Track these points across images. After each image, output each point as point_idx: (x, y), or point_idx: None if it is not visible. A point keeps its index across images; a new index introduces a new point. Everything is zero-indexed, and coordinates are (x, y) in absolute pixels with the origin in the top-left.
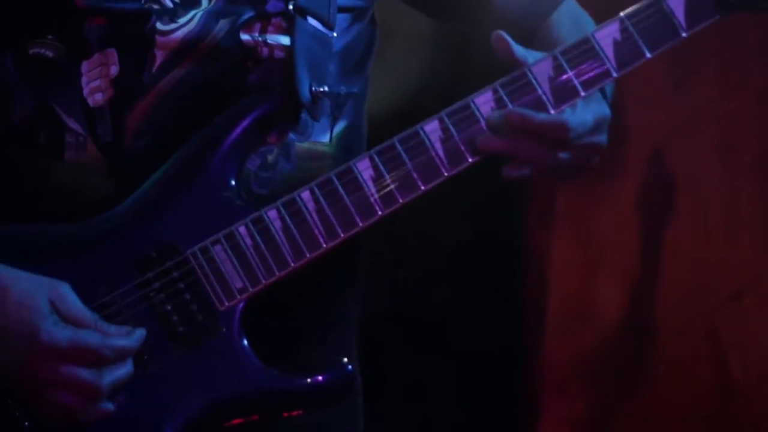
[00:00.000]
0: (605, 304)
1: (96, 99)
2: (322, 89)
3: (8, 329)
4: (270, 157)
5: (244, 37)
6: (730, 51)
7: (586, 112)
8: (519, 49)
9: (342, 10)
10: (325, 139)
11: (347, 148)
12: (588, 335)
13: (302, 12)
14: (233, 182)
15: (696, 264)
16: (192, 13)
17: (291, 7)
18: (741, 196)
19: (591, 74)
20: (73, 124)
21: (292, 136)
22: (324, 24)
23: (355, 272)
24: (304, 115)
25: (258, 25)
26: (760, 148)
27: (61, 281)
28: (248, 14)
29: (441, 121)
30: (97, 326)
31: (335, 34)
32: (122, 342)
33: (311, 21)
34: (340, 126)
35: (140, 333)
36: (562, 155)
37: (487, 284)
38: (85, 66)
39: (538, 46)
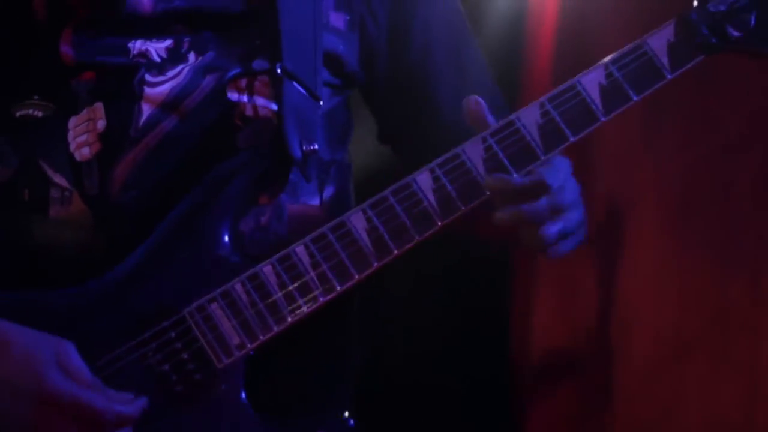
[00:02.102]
0: (588, 359)
1: (83, 153)
2: (312, 147)
3: (15, 378)
4: (263, 219)
5: (231, 93)
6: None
7: (554, 168)
8: (492, 119)
9: (324, 84)
10: (316, 202)
11: (337, 214)
12: (571, 391)
13: (289, 75)
14: (227, 240)
15: (674, 318)
16: (180, 67)
17: (279, 69)
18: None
19: (579, 119)
20: (59, 179)
21: (283, 197)
22: (310, 93)
23: (349, 325)
24: (293, 176)
25: (244, 82)
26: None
27: (66, 340)
28: (234, 71)
29: (432, 171)
30: (101, 389)
31: (321, 103)
32: (125, 409)
33: (297, 86)
34: (329, 191)
35: (142, 402)
36: (553, 227)
37: (472, 343)
38: (72, 121)
39: None
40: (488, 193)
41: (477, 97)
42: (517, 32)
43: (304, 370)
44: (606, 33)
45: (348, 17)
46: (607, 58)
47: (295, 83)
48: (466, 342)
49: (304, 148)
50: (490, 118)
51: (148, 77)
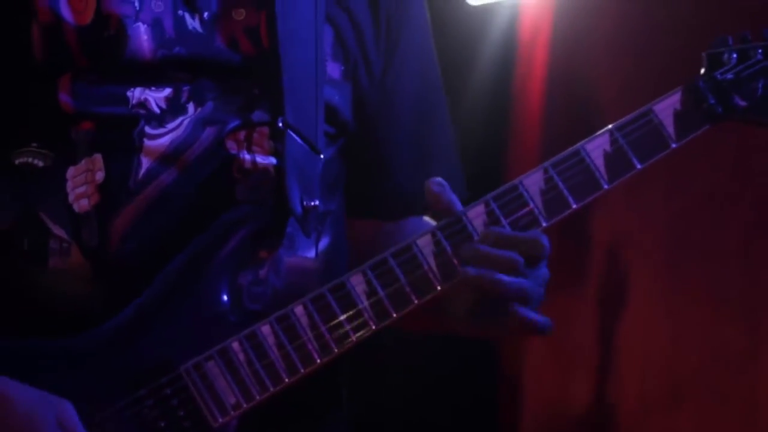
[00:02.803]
0: (579, 407)
1: (81, 205)
2: (313, 203)
3: None
4: (261, 273)
5: (230, 146)
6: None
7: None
8: (455, 198)
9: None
10: (311, 254)
11: (332, 264)
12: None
13: (291, 128)
14: (225, 298)
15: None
16: (179, 119)
17: (280, 123)
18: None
19: (583, 186)
20: (57, 230)
21: (281, 250)
22: (311, 147)
23: (341, 377)
24: (290, 229)
25: (243, 134)
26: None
27: (65, 399)
28: (234, 123)
29: (433, 235)
30: None
31: (322, 157)
32: None
33: (298, 139)
34: (324, 242)
35: None
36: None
37: (462, 380)
38: (70, 171)
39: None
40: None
41: (438, 179)
42: (506, 80)
43: (297, 423)
44: (598, 76)
45: (343, 67)
46: (612, 125)
47: (295, 136)
48: (455, 379)
49: (304, 203)
50: (453, 197)
51: (147, 129)
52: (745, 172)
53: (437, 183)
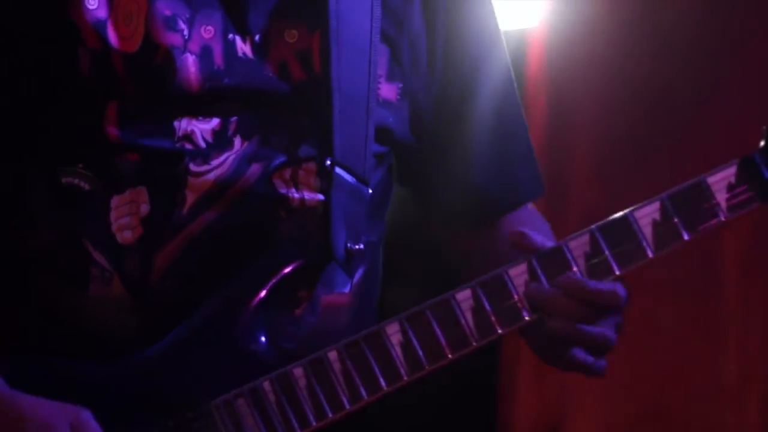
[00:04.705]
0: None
1: (125, 236)
2: (357, 247)
3: None
4: (297, 312)
5: (276, 184)
6: None
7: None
8: (539, 239)
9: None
10: (346, 289)
11: (365, 294)
12: None
13: (339, 165)
14: (263, 338)
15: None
16: (225, 155)
17: (328, 162)
18: None
19: (628, 254)
20: (99, 257)
21: (318, 288)
22: (359, 180)
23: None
24: (329, 268)
25: (289, 172)
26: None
27: (82, 408)
28: (280, 159)
29: (473, 290)
30: None
31: (371, 191)
32: None
33: (346, 176)
34: (359, 274)
35: None
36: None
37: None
38: (115, 201)
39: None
40: (529, 318)
41: (523, 230)
42: None
43: None
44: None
45: (401, 84)
46: (664, 194)
47: (343, 172)
48: (454, 405)
49: (348, 246)
50: (538, 239)
51: (192, 167)
52: None
53: (519, 234)
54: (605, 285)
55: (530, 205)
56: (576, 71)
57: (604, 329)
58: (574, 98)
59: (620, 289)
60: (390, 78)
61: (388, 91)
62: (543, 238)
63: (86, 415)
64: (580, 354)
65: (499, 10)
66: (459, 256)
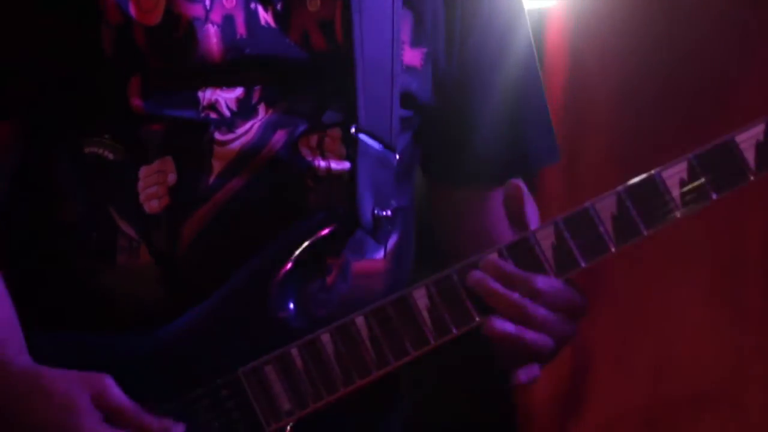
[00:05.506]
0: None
1: (152, 205)
2: (384, 213)
3: None
4: (329, 279)
5: (302, 152)
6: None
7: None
8: (531, 207)
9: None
10: (379, 256)
11: (399, 260)
12: None
13: (364, 132)
14: (292, 306)
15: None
16: (250, 123)
17: (353, 129)
18: None
19: (654, 212)
20: (126, 228)
21: (349, 255)
22: (386, 146)
23: (398, 397)
24: (358, 235)
25: (315, 139)
26: None
27: (104, 374)
28: (304, 126)
29: (499, 252)
30: (139, 418)
31: (398, 156)
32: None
33: (372, 142)
34: (392, 241)
35: (179, 428)
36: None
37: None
38: (143, 171)
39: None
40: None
41: (517, 181)
42: None
43: (351, 422)
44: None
45: (425, 49)
46: (690, 154)
47: (369, 139)
48: (471, 412)
49: (376, 213)
50: (529, 208)
51: (217, 136)
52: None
53: (515, 186)
54: (552, 282)
55: (525, 188)
56: (595, 50)
57: (541, 335)
58: (593, 77)
59: (565, 291)
60: (414, 44)
61: (411, 57)
62: (532, 210)
63: (108, 382)
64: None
65: None
66: (450, 217)
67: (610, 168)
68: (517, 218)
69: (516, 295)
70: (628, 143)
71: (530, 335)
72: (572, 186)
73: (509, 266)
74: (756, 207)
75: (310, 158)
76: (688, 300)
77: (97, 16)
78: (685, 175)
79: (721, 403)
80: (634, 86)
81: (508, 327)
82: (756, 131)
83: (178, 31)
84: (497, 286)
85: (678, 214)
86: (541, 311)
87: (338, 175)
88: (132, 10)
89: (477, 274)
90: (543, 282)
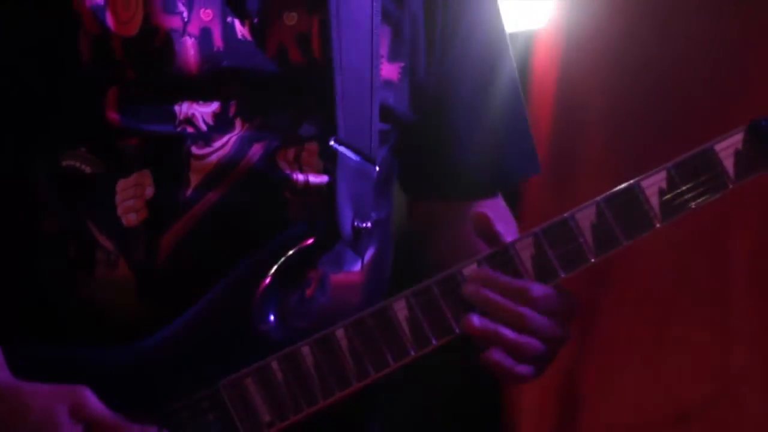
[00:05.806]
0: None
1: (130, 219)
2: (364, 225)
3: None
4: (308, 291)
5: (280, 165)
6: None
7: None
8: (500, 226)
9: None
10: (357, 268)
11: (376, 273)
12: None
13: (343, 145)
14: (272, 318)
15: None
16: (226, 137)
17: (332, 142)
18: None
19: (635, 223)
20: (104, 241)
21: (327, 267)
22: (365, 158)
23: (378, 407)
24: (338, 248)
25: (292, 153)
26: None
27: (80, 386)
28: (281, 139)
29: (479, 263)
30: (119, 429)
31: (377, 168)
32: None
33: (351, 155)
34: (369, 253)
35: None
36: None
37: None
38: (120, 184)
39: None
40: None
41: (483, 210)
42: None
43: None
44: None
45: (403, 64)
46: (669, 163)
47: (348, 151)
48: (459, 392)
49: (356, 225)
50: (499, 227)
51: (194, 150)
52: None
53: (482, 214)
54: (545, 288)
55: (503, 203)
56: (584, 71)
57: (529, 337)
58: (582, 99)
59: (558, 296)
60: (391, 58)
61: (389, 71)
62: (504, 227)
63: (86, 394)
64: (496, 354)
65: (507, 12)
66: (428, 229)
67: (600, 186)
68: (490, 239)
69: (515, 304)
70: (616, 163)
71: (528, 341)
72: (562, 200)
73: (502, 276)
74: (740, 225)
75: (288, 171)
76: (673, 319)
77: (75, 24)
78: (664, 185)
79: (706, 422)
80: (623, 107)
81: (509, 334)
82: (735, 139)
83: (155, 42)
84: (496, 296)
85: (657, 224)
86: (538, 318)
87: (317, 188)
88: (109, 21)
89: (472, 286)
90: (538, 289)
